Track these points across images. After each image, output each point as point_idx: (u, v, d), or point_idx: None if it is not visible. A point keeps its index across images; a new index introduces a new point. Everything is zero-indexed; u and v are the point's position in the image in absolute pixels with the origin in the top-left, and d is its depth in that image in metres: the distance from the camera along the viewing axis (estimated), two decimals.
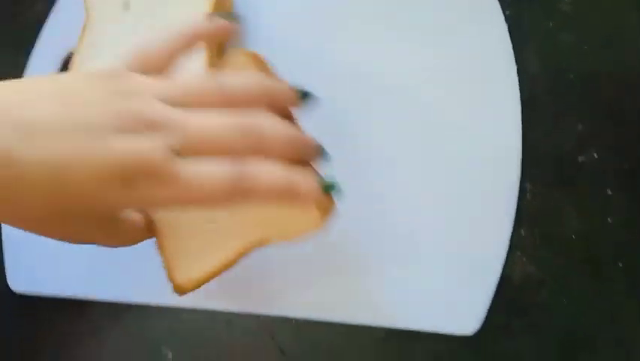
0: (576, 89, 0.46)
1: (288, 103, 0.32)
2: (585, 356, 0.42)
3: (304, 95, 0.32)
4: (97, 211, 0.29)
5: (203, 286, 0.36)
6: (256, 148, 0.28)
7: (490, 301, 0.42)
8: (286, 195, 0.28)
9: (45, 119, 0.25)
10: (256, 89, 0.30)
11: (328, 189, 0.30)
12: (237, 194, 0.27)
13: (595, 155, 0.45)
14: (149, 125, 0.26)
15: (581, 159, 0.45)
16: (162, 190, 0.26)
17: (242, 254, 0.35)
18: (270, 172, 0.28)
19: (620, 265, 0.43)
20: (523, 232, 0.44)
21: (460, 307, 0.42)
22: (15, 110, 0.25)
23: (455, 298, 0.42)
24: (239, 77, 0.30)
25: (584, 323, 0.43)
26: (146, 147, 0.26)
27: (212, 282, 0.38)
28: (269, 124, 0.29)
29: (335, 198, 0.32)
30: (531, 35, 0.47)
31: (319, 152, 0.31)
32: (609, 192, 0.44)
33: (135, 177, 0.26)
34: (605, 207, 0.44)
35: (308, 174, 0.29)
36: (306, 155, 0.30)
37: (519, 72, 0.45)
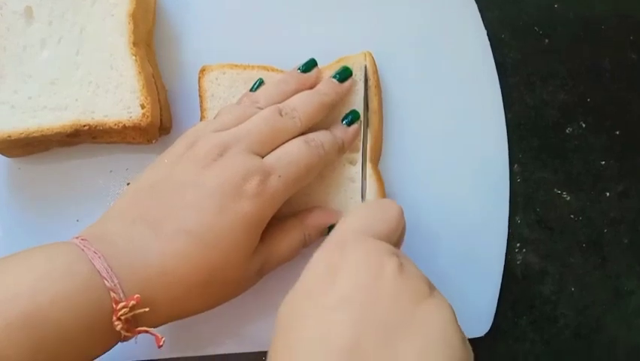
0: (552, 55, 0.42)
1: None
2: (596, 348, 0.39)
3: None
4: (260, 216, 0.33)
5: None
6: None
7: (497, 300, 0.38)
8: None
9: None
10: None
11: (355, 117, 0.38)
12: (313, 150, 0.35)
13: (582, 124, 0.41)
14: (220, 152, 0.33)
15: (568, 130, 0.41)
16: (267, 180, 0.33)
17: None
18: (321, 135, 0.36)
19: (625, 241, 0.40)
20: (518, 220, 0.40)
21: (468, 310, 0.37)
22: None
23: (462, 300, 0.38)
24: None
25: (591, 311, 0.39)
26: (230, 161, 0.33)
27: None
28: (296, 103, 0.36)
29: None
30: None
31: None
32: (602, 163, 0.41)
33: (244, 181, 0.32)
34: (601, 181, 0.40)
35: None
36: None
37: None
